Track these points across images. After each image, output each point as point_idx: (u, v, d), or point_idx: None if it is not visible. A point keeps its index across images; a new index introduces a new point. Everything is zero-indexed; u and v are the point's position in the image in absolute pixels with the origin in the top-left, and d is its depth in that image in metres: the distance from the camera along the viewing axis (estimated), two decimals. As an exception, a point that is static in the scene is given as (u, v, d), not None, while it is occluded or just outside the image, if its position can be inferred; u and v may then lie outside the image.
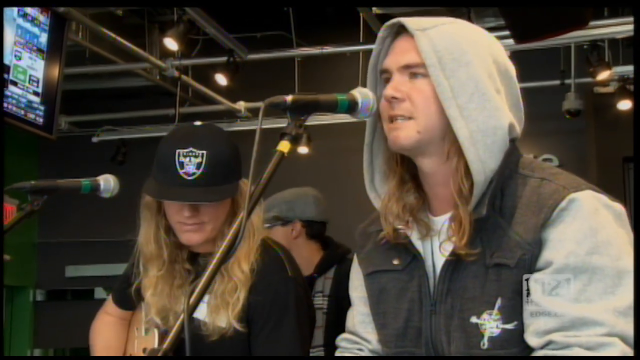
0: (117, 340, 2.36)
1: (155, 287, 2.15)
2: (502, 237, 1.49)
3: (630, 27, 4.90)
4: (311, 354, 3.03)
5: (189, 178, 2.02)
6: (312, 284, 3.28)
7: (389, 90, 1.55)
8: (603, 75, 5.27)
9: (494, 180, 1.51)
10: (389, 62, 1.59)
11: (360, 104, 1.50)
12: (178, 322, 1.26)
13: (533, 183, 1.52)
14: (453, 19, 1.62)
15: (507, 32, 4.50)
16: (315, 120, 5.94)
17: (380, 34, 1.62)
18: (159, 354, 1.24)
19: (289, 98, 1.41)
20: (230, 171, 2.07)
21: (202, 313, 2.07)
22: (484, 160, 1.50)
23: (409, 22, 1.57)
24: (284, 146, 1.40)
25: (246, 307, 2.05)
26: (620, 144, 6.31)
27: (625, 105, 5.91)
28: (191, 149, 2.03)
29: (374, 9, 4.93)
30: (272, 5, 5.73)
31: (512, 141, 1.57)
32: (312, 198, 3.37)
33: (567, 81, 5.77)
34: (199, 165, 2.02)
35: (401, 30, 1.59)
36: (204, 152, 2.03)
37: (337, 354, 1.80)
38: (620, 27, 4.98)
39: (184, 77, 5.98)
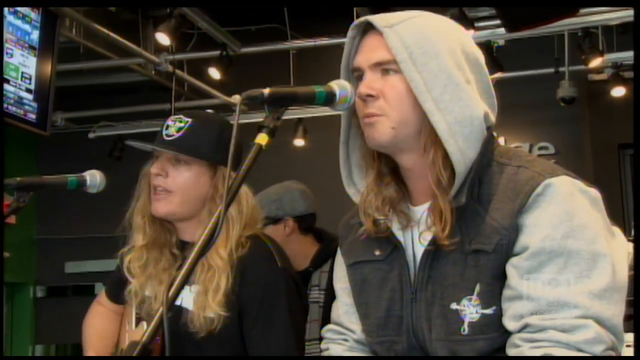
0: (109, 329, 2.37)
1: (140, 258, 2.19)
2: (480, 224, 1.51)
3: (623, 13, 4.90)
4: (307, 348, 3.04)
5: (167, 138, 2.12)
6: (308, 278, 3.28)
7: (362, 89, 1.56)
8: (595, 62, 5.26)
9: (473, 169, 1.53)
10: (360, 60, 1.60)
11: (338, 96, 1.51)
12: (157, 316, 1.27)
13: (510, 171, 1.54)
14: (419, 11, 1.62)
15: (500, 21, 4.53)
16: (311, 112, 5.96)
17: (349, 33, 1.63)
18: (138, 347, 1.25)
19: (266, 91, 1.43)
20: (208, 147, 2.12)
21: (189, 303, 2.08)
22: (463, 150, 1.51)
23: (376, 19, 1.58)
24: (262, 139, 1.41)
25: (231, 295, 2.05)
26: (615, 130, 6.32)
27: (619, 92, 5.91)
28: (181, 116, 2.16)
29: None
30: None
31: (488, 129, 1.58)
32: (298, 192, 3.36)
33: (561, 69, 5.76)
34: (179, 129, 2.13)
35: (369, 27, 1.60)
36: (189, 120, 2.14)
37: (323, 344, 1.82)
38: (613, 14, 4.97)
39: (178, 71, 5.98)
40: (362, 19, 1.60)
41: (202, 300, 2.04)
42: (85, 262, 7.31)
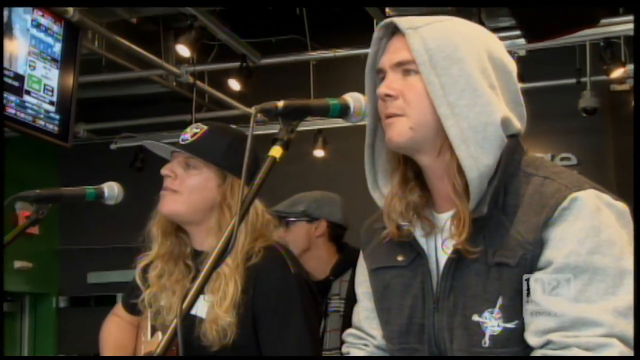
0: (125, 339, 2.39)
1: (156, 267, 2.23)
2: (504, 236, 1.49)
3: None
4: (329, 355, 3.05)
5: (182, 143, 2.19)
6: (328, 287, 3.31)
7: (382, 89, 1.56)
8: (617, 72, 5.23)
9: (497, 178, 1.51)
10: (383, 61, 1.60)
11: (352, 108, 1.51)
12: (171, 327, 1.28)
13: (536, 181, 1.51)
14: (448, 17, 1.62)
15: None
16: (331, 123, 5.97)
17: (376, 34, 1.62)
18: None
19: (280, 104, 1.43)
20: (218, 153, 2.17)
21: (202, 311, 2.10)
22: (475, 156, 1.49)
23: (402, 21, 1.57)
24: (276, 151, 1.42)
25: (244, 304, 2.07)
26: (638, 141, 6.26)
27: (641, 102, 5.87)
28: (199, 124, 2.24)
29: (387, 10, 4.95)
30: (285, 9, 5.75)
31: (515, 137, 1.56)
32: (339, 202, 3.46)
33: (583, 79, 5.73)
34: (194, 135, 2.19)
35: (396, 30, 1.60)
36: (205, 127, 2.21)
37: (344, 348, 1.82)
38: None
39: (199, 82, 6.03)
40: (388, 20, 1.60)
41: (214, 311, 2.05)
42: (108, 273, 7.34)
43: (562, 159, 6.31)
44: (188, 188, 2.16)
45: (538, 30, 4.05)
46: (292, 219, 3.32)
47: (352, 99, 1.52)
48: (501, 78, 1.57)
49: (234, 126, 2.39)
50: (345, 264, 3.30)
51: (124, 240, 6.83)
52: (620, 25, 4.97)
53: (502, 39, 5.20)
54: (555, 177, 1.51)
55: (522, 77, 5.35)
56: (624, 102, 6.20)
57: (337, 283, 3.29)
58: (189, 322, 2.11)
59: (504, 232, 1.49)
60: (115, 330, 2.43)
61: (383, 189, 1.68)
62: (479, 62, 1.54)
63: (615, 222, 1.46)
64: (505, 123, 1.53)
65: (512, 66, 1.61)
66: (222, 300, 2.05)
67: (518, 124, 1.58)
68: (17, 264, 6.90)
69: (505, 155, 1.52)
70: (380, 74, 1.61)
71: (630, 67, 5.47)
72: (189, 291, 1.30)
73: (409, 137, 1.54)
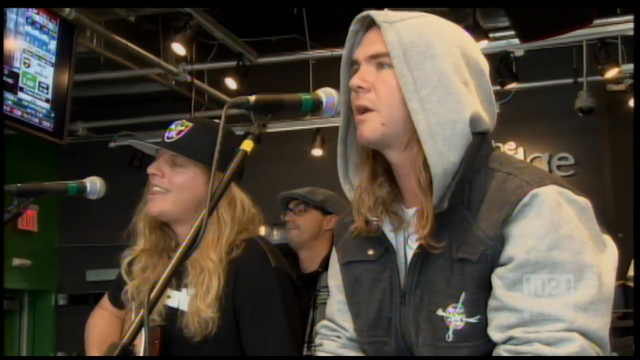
0: (110, 332, 2.40)
1: (140, 261, 2.23)
2: (468, 232, 1.50)
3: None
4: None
5: (167, 140, 2.16)
6: (317, 279, 3.34)
7: (355, 80, 1.57)
8: (611, 72, 5.24)
9: (459, 174, 1.52)
10: (358, 53, 1.60)
11: (324, 103, 1.53)
12: (138, 317, 1.29)
13: (499, 177, 1.52)
14: (424, 13, 1.62)
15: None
16: (329, 122, 5.97)
17: (352, 27, 1.63)
18: (118, 349, 1.27)
19: (252, 98, 1.45)
20: (205, 151, 2.13)
21: (185, 305, 2.11)
22: (442, 152, 1.50)
23: (378, 15, 1.57)
24: (247, 145, 1.43)
25: (226, 297, 2.07)
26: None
27: (637, 102, 5.88)
28: (184, 120, 2.20)
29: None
30: (285, 8, 5.76)
31: (483, 134, 1.57)
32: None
33: (579, 79, 5.74)
34: (179, 132, 2.17)
35: (372, 23, 1.60)
36: (190, 125, 2.18)
37: (317, 340, 1.84)
38: (631, 24, 4.94)
39: (197, 81, 6.04)
40: (365, 13, 1.60)
41: (195, 303, 2.06)
42: (107, 271, 7.33)
43: (559, 159, 6.31)
44: (177, 186, 2.16)
45: (532, 30, 4.05)
46: (310, 205, 3.41)
47: (325, 94, 1.53)
48: (474, 76, 1.58)
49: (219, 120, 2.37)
50: None
51: (122, 238, 6.84)
52: (618, 25, 4.98)
53: (499, 39, 5.22)
54: (517, 173, 1.52)
55: (516, 77, 5.37)
56: (620, 102, 6.20)
57: (325, 275, 3.31)
58: (171, 314, 2.13)
59: (467, 227, 1.51)
60: (99, 323, 2.44)
61: (354, 182, 1.70)
62: (452, 58, 1.54)
63: (575, 218, 1.47)
64: (475, 120, 1.54)
65: (485, 65, 1.62)
66: (205, 295, 2.05)
67: (488, 122, 1.59)
68: (16, 261, 6.93)
69: (469, 152, 1.53)
70: (354, 66, 1.62)
71: (626, 67, 5.47)
72: (157, 282, 1.31)
73: (381, 133, 1.55)
